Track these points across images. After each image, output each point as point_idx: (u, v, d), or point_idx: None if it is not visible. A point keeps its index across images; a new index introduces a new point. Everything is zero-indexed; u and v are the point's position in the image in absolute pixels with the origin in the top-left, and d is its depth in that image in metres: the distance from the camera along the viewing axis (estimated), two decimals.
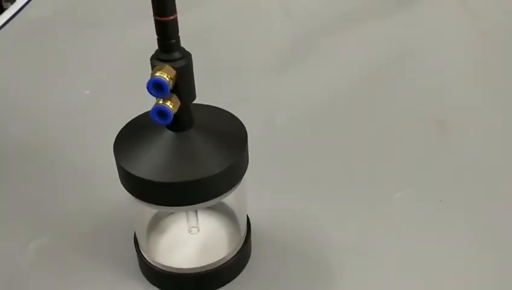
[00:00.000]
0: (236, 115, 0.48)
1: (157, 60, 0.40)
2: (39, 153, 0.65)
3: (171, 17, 0.39)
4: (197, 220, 0.51)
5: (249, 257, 0.51)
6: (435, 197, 0.57)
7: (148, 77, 0.40)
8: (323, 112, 0.70)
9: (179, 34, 0.40)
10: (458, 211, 0.56)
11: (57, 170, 0.62)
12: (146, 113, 0.46)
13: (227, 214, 0.52)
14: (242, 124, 0.46)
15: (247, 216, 0.52)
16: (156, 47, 0.41)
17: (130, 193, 0.44)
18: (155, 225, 0.52)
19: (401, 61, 0.80)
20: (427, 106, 0.71)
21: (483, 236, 0.53)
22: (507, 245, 0.52)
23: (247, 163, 0.46)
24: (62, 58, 0.84)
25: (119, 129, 0.46)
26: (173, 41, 0.40)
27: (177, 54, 0.40)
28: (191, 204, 0.43)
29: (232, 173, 0.43)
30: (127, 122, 0.47)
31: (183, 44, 0.41)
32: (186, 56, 0.41)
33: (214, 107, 0.48)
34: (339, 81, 0.76)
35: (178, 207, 0.43)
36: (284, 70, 0.78)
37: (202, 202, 0.43)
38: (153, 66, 0.40)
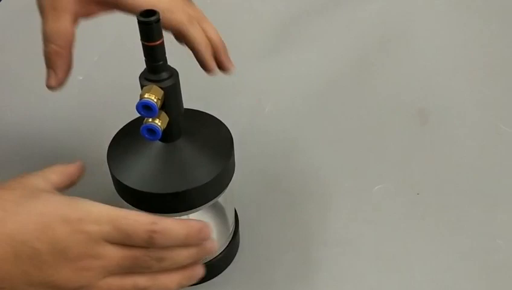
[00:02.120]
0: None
1: (146, 80, 0.42)
2: (33, 146, 0.67)
3: (158, 42, 0.41)
4: (188, 215, 0.54)
5: (237, 249, 0.55)
6: (413, 191, 0.60)
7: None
8: (309, 102, 0.72)
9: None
10: (434, 204, 0.59)
11: (52, 161, 0.64)
12: (136, 121, 0.48)
13: (217, 209, 0.55)
14: (228, 129, 0.49)
15: (235, 210, 0.55)
16: None
17: (124, 200, 0.46)
18: None
19: (386, 47, 0.80)
20: (410, 96, 0.72)
21: (457, 229, 0.56)
22: (481, 238, 0.55)
23: (234, 167, 0.48)
24: None
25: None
26: (161, 62, 0.42)
27: (164, 74, 0.42)
28: (180, 211, 0.46)
29: (220, 180, 0.46)
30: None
31: None
32: (173, 75, 0.43)
33: (201, 112, 0.50)
34: (324, 69, 0.77)
35: (170, 214, 0.46)
36: (272, 56, 0.79)
37: (191, 209, 0.46)
38: (141, 86, 0.43)
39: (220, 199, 0.54)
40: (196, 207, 0.46)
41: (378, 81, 0.75)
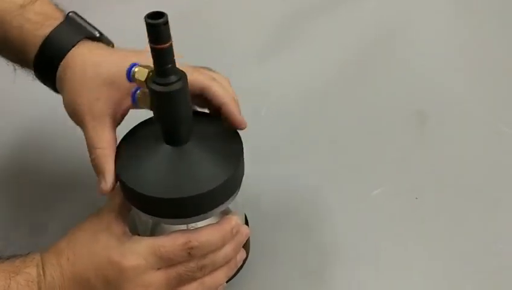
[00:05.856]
0: None
1: (154, 83, 0.41)
2: (33, 150, 0.66)
3: (167, 44, 0.39)
4: (196, 223, 0.52)
5: (247, 257, 0.52)
6: (411, 195, 0.59)
7: None
8: (305, 104, 0.71)
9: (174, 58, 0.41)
10: (432, 208, 0.58)
11: (54, 168, 0.64)
12: (141, 125, 0.48)
13: (226, 215, 0.54)
14: (237, 133, 0.48)
15: (245, 216, 0.54)
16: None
17: (131, 204, 0.46)
18: (157, 225, 0.54)
19: (384, 48, 0.80)
20: (409, 97, 0.71)
21: (457, 232, 0.56)
22: (481, 241, 0.55)
23: (243, 172, 0.47)
24: None
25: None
26: (169, 66, 0.40)
27: (173, 78, 0.41)
28: (188, 217, 0.45)
29: (229, 185, 0.45)
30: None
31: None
32: (182, 78, 0.41)
33: (210, 115, 0.49)
34: (320, 71, 0.76)
35: (178, 219, 0.45)
36: (267, 58, 0.78)
37: (199, 214, 0.45)
38: (148, 88, 0.42)
39: (231, 205, 0.53)
40: (204, 213, 0.45)
41: (376, 82, 0.75)
